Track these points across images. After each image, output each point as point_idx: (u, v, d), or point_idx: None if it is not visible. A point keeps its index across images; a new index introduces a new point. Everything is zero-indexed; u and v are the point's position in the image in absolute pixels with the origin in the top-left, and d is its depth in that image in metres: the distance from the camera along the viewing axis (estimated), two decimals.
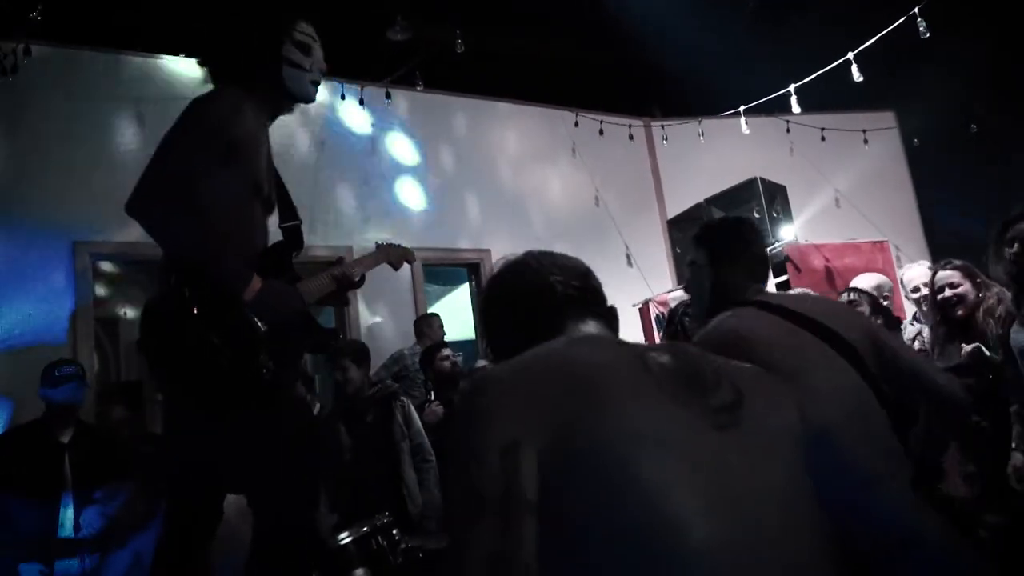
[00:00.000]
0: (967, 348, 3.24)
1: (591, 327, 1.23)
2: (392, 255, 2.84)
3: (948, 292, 3.54)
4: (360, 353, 4.10)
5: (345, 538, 2.20)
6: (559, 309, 1.23)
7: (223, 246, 2.00)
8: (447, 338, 6.08)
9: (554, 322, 1.21)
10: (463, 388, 1.03)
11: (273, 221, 2.35)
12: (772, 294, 2.16)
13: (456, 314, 7.57)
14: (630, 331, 6.68)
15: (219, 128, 2.04)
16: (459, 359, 4.78)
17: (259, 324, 1.97)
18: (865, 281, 4.49)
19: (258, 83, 2.20)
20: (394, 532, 2.27)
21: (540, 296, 1.24)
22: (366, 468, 3.84)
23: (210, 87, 2.21)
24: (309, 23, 2.30)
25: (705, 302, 2.15)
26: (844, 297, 4.16)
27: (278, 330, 2.04)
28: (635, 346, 1.11)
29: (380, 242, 3.04)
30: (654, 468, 0.91)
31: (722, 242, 2.17)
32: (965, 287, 3.53)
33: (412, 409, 4.07)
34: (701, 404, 1.01)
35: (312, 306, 2.30)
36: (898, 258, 6.78)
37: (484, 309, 1.33)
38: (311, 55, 2.27)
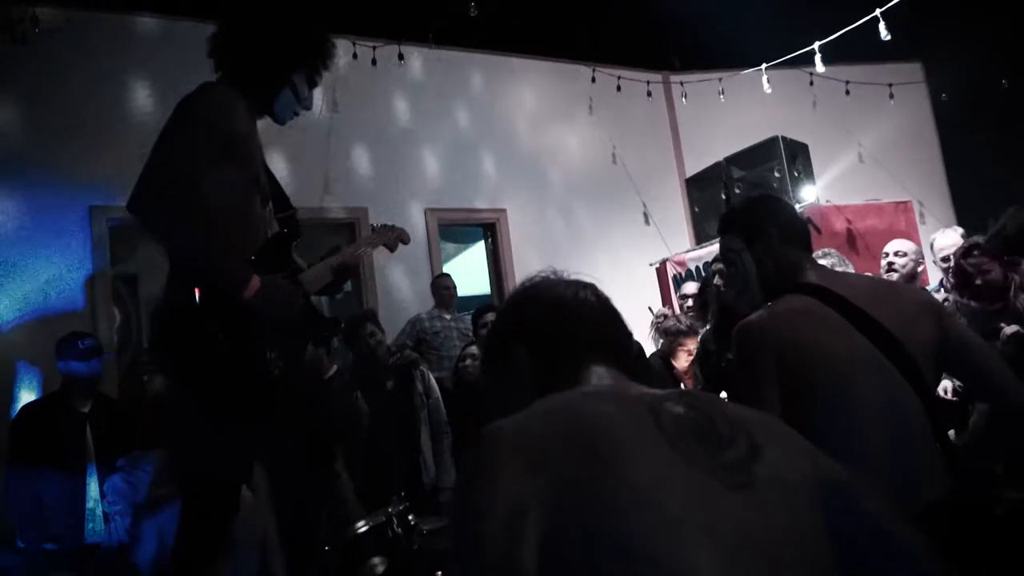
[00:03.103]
0: (1008, 330, 3.20)
1: (606, 376, 1.16)
2: (388, 238, 2.89)
3: (979, 281, 3.43)
4: (377, 317, 4.12)
5: (362, 527, 2.21)
6: (578, 353, 1.17)
7: (223, 247, 2.00)
8: (460, 295, 6.15)
9: (570, 367, 1.16)
10: (473, 445, 0.99)
11: None
12: (830, 274, 2.02)
13: (471, 271, 7.55)
14: (647, 291, 6.63)
15: (216, 123, 2.03)
16: None
17: (258, 322, 1.98)
18: (905, 245, 4.39)
19: (254, 91, 2.21)
20: (410, 518, 2.28)
21: (559, 339, 1.18)
22: (384, 435, 3.86)
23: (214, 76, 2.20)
24: (329, 67, 2.37)
25: (754, 287, 1.99)
26: None
27: (280, 326, 2.04)
28: (650, 397, 1.06)
29: (374, 225, 3.08)
30: (664, 535, 0.88)
31: (752, 219, 2.01)
32: (996, 273, 3.46)
33: (432, 379, 4.08)
34: (714, 461, 0.97)
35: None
36: (921, 214, 6.66)
37: (495, 343, 1.26)
38: (310, 93, 2.35)
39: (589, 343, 1.18)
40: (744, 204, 2.23)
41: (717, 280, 4.18)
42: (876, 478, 1.42)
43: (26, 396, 4.57)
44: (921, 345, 1.77)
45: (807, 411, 1.71)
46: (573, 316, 1.20)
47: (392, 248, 2.93)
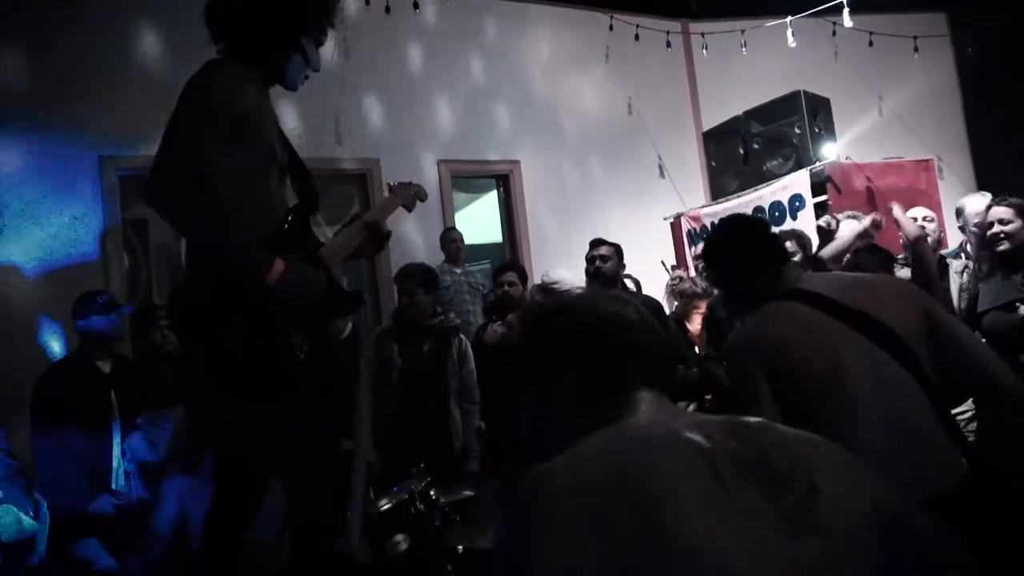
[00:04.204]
0: None
1: (653, 402, 1.12)
2: (406, 197, 2.82)
3: (997, 228, 3.54)
4: (429, 277, 4.01)
5: (384, 505, 2.23)
6: (623, 378, 1.12)
7: (240, 234, 1.96)
8: (472, 243, 6.19)
9: (616, 393, 1.11)
10: (520, 490, 0.96)
11: None
12: (809, 278, 2.08)
13: (483, 220, 7.49)
14: (661, 245, 6.59)
15: (226, 106, 1.97)
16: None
17: (285, 307, 1.97)
18: (929, 212, 4.39)
19: (263, 61, 2.13)
20: (431, 494, 2.30)
21: (604, 365, 1.12)
22: (415, 395, 3.86)
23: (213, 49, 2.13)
24: (336, 25, 2.31)
25: (738, 310, 2.14)
26: None
27: (305, 308, 2.02)
28: (702, 435, 1.02)
29: (391, 183, 3.01)
30: None
31: (723, 256, 2.16)
32: (1015, 224, 3.53)
33: (468, 347, 4.04)
34: (775, 508, 0.94)
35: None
36: (940, 169, 6.55)
37: (531, 370, 1.18)
38: (318, 53, 2.28)
39: (634, 367, 1.13)
40: (718, 238, 2.27)
41: None
42: (883, 465, 1.43)
43: (36, 347, 4.62)
44: (910, 332, 1.82)
45: (806, 410, 1.73)
46: (617, 340, 1.14)
47: (410, 208, 2.87)
